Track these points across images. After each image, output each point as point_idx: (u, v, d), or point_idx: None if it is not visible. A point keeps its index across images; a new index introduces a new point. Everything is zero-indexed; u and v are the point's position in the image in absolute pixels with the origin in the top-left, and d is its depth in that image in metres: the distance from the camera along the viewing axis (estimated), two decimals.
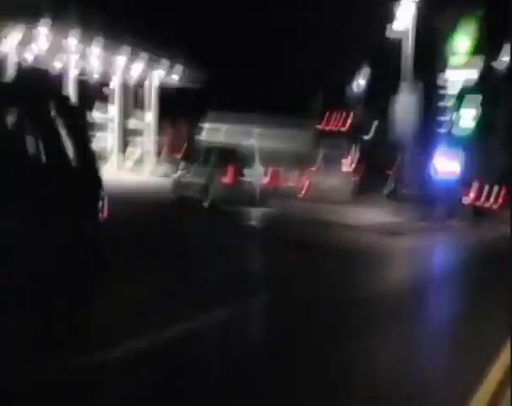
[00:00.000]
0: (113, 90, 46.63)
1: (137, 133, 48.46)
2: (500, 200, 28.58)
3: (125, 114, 46.95)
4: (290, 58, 48.45)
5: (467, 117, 40.10)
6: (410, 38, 33.92)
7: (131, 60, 41.67)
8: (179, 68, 45.62)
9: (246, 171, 22.47)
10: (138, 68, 43.77)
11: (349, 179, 35.53)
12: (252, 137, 39.71)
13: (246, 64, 50.51)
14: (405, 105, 33.97)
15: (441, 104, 42.04)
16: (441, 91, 42.04)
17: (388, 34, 35.46)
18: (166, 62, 44.43)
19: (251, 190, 21.82)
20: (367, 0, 44.75)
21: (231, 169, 21.80)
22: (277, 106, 40.60)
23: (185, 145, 42.87)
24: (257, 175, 23.08)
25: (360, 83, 50.58)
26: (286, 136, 39.98)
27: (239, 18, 49.85)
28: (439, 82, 41.34)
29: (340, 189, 33.14)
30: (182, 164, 26.02)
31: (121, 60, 40.95)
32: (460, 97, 41.23)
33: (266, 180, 24.64)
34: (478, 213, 25.90)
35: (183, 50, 44.63)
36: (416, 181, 31.00)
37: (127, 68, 43.46)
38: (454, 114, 42.00)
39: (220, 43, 48.96)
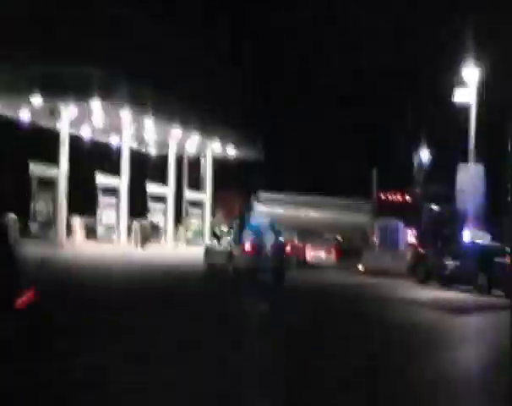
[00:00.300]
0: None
1: (194, 204, 47.98)
2: None
3: (181, 186, 46.63)
4: (344, 138, 47.77)
5: None
6: (474, 105, 32.46)
7: (186, 133, 41.18)
8: (235, 141, 45.16)
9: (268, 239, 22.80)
10: (193, 141, 43.30)
11: (414, 252, 33.16)
12: (308, 207, 38.97)
13: (299, 144, 50.05)
14: (470, 175, 32.38)
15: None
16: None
17: (454, 99, 34.04)
18: (222, 135, 43.97)
19: (271, 260, 22.04)
20: (430, 69, 43.84)
21: (249, 239, 22.90)
22: (332, 185, 39.84)
23: (236, 215, 42.01)
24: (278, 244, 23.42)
25: (422, 155, 48.98)
26: (345, 206, 38.71)
27: (292, 99, 49.67)
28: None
29: (403, 262, 31.15)
30: (212, 233, 28.25)
31: (175, 133, 40.47)
32: None
33: (288, 250, 24.91)
34: None
35: (241, 124, 44.47)
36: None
37: (182, 141, 43.04)
38: None
39: (276, 121, 48.72)
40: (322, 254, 32.89)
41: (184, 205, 46.98)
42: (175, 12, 43.21)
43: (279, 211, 39.82)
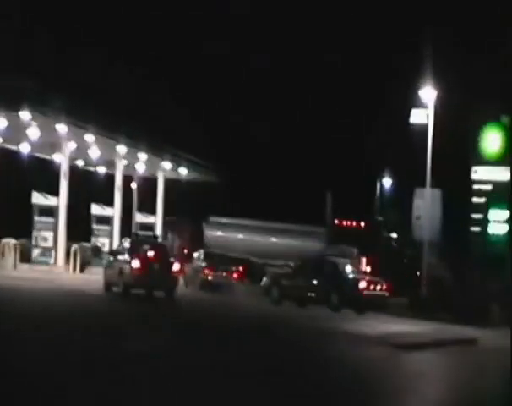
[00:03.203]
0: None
1: (143, 227, 45.84)
2: None
3: (130, 208, 44.44)
4: (299, 163, 46.48)
5: (498, 219, 36.04)
6: (430, 127, 30.88)
7: (133, 152, 38.95)
8: (186, 162, 43.04)
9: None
10: (142, 161, 41.10)
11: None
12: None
13: (255, 167, 48.46)
14: (427, 200, 30.72)
15: (473, 200, 38.38)
16: (473, 187, 38.53)
17: (411, 120, 32.64)
18: (173, 155, 41.81)
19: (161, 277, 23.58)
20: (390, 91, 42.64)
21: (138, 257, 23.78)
22: (285, 211, 38.44)
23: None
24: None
25: (384, 180, 47.35)
26: (296, 232, 37.06)
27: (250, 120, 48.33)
28: (471, 177, 37.95)
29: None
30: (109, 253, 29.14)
31: (121, 151, 38.22)
32: (491, 197, 37.46)
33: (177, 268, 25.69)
34: None
35: (193, 145, 42.64)
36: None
37: (130, 161, 40.84)
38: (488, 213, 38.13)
39: (231, 144, 47.15)
40: (224, 274, 33.47)
41: (133, 227, 44.79)
42: None
43: (226, 235, 38.36)
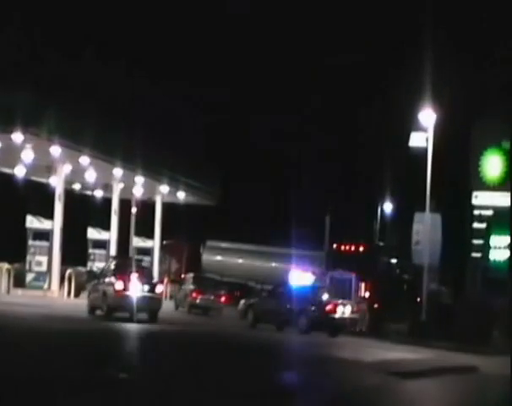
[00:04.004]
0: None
1: (140, 252, 45.37)
2: None
3: (127, 232, 43.98)
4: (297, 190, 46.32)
5: (500, 245, 35.38)
6: (430, 150, 30.49)
7: (130, 175, 38.54)
8: (184, 186, 42.64)
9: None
10: (139, 184, 40.69)
11: (364, 306, 31.64)
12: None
13: (254, 191, 48.23)
14: (427, 225, 30.24)
15: (474, 226, 37.85)
16: (473, 212, 38.02)
17: (411, 144, 32.33)
18: (170, 180, 41.38)
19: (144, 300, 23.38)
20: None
21: (122, 279, 23.47)
22: (285, 236, 38.32)
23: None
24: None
25: (384, 204, 46.89)
26: (292, 255, 36.71)
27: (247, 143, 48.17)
28: (471, 202, 37.46)
29: (351, 318, 28.86)
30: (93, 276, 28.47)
31: (118, 174, 37.83)
32: (492, 222, 36.92)
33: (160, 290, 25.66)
34: None
35: (194, 168, 42.34)
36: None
37: (127, 184, 40.42)
38: (488, 239, 37.57)
39: (230, 167, 46.92)
40: (211, 297, 33.69)
41: (131, 252, 44.27)
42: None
43: (225, 259, 38.13)
